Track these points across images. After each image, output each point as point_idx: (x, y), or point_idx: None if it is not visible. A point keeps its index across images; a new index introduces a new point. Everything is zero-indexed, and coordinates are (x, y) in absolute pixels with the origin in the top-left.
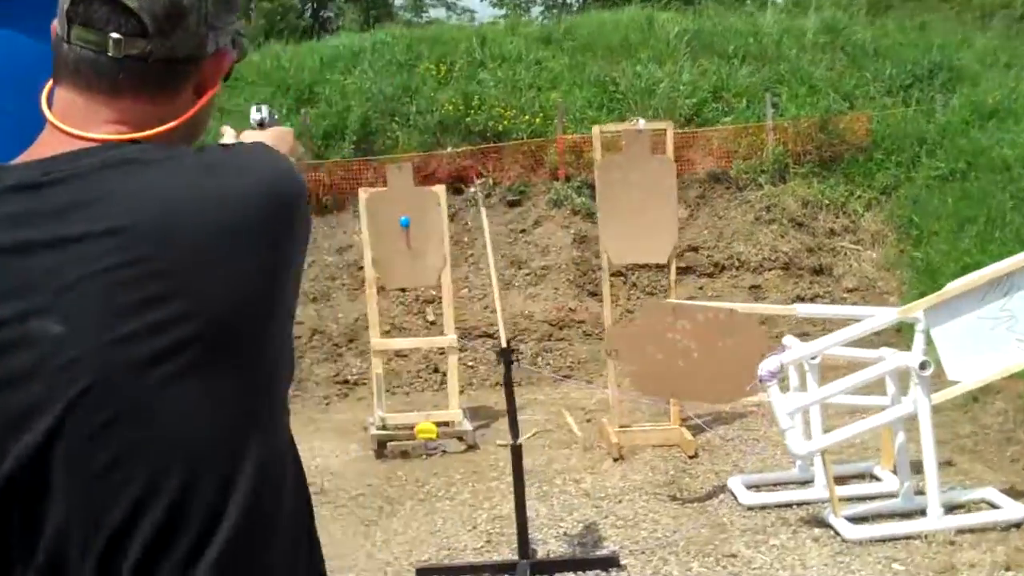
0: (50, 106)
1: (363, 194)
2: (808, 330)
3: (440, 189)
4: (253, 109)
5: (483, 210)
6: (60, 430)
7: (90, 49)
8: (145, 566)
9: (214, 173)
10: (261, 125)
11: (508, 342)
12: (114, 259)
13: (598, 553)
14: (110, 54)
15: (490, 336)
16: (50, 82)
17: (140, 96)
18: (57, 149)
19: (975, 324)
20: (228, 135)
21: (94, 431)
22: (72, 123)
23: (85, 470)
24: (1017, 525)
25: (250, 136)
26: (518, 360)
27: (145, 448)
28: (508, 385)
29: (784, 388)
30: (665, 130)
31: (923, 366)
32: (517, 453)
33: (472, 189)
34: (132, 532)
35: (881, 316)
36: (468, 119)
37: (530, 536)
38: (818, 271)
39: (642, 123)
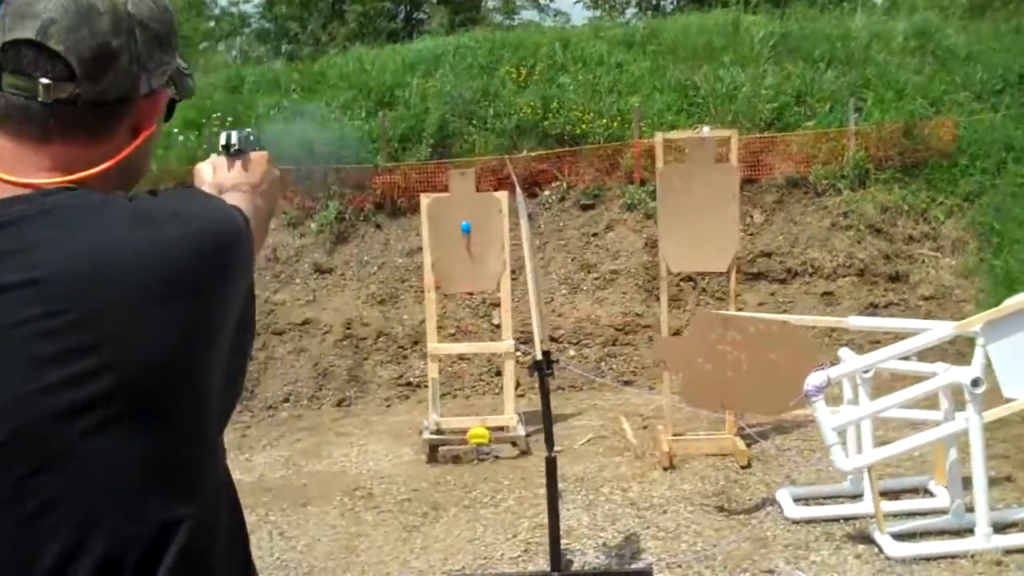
0: None
1: (424, 199)
2: (880, 338)
3: (502, 195)
4: (222, 135)
5: (523, 217)
6: None
7: (21, 95)
8: None
9: (143, 223)
10: (227, 150)
11: (546, 353)
12: (37, 310)
13: (632, 567)
14: (40, 99)
15: (554, 339)
16: None
17: (71, 140)
18: None
19: None
20: (205, 168)
21: (20, 479)
22: (5, 169)
23: (12, 518)
24: None
25: (221, 163)
26: (552, 371)
27: (71, 497)
28: (544, 396)
29: (839, 401)
30: (730, 138)
31: (975, 383)
32: (551, 465)
33: (546, 193)
34: None
35: (937, 330)
36: (546, 122)
37: (569, 546)
38: (894, 278)
39: (706, 131)
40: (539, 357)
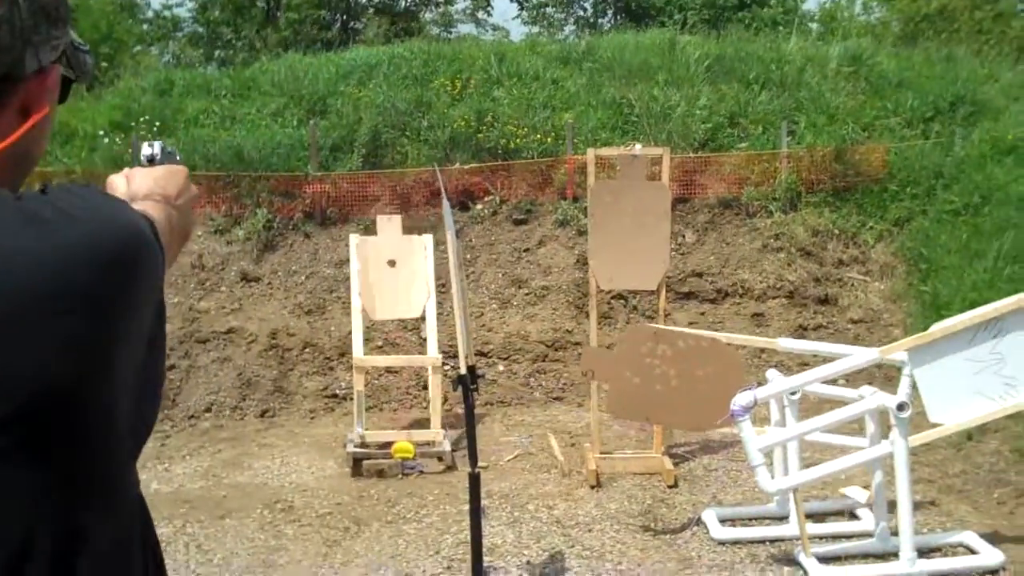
0: None
1: (353, 239)
2: (809, 361)
3: (427, 238)
4: (144, 145)
5: (450, 230)
6: None
7: None
8: None
9: (32, 226)
10: (151, 162)
11: (471, 368)
12: None
13: None
14: None
15: (483, 354)
16: None
17: None
18: None
19: (961, 366)
20: (119, 180)
21: None
22: None
23: None
24: (994, 572)
25: (138, 173)
26: (477, 387)
27: None
28: (468, 411)
29: (765, 422)
30: (662, 156)
31: (901, 407)
32: (475, 481)
33: (479, 206)
34: None
35: (861, 355)
36: (479, 136)
37: (492, 563)
38: (823, 301)
39: (638, 148)
40: (463, 371)
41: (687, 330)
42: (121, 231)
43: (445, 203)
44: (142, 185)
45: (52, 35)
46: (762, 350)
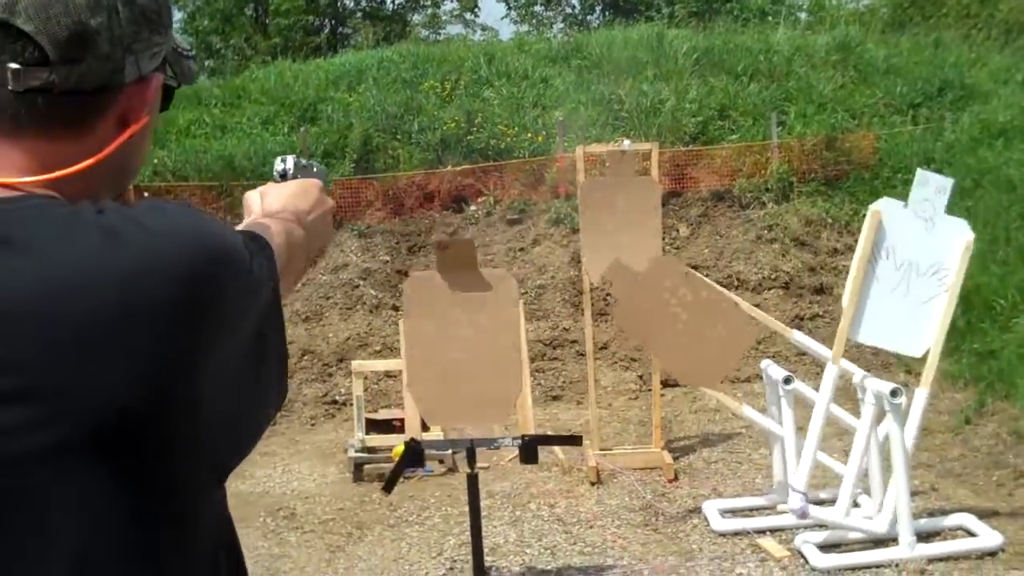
0: None
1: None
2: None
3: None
4: (277, 160)
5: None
6: None
7: None
8: None
9: (110, 241)
10: (284, 177)
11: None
12: None
13: None
14: (9, 87)
15: None
16: None
17: (47, 134)
18: None
19: (890, 301)
20: (253, 196)
21: None
22: None
23: None
24: (992, 553)
25: (272, 190)
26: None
27: (28, 545)
28: (474, 514)
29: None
30: (651, 151)
31: (895, 393)
32: (473, 482)
33: (472, 208)
34: None
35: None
36: (470, 137)
37: (495, 563)
38: (819, 290)
39: (627, 144)
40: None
41: (715, 285)
42: (202, 248)
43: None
44: (274, 202)
45: (153, 42)
46: (760, 340)
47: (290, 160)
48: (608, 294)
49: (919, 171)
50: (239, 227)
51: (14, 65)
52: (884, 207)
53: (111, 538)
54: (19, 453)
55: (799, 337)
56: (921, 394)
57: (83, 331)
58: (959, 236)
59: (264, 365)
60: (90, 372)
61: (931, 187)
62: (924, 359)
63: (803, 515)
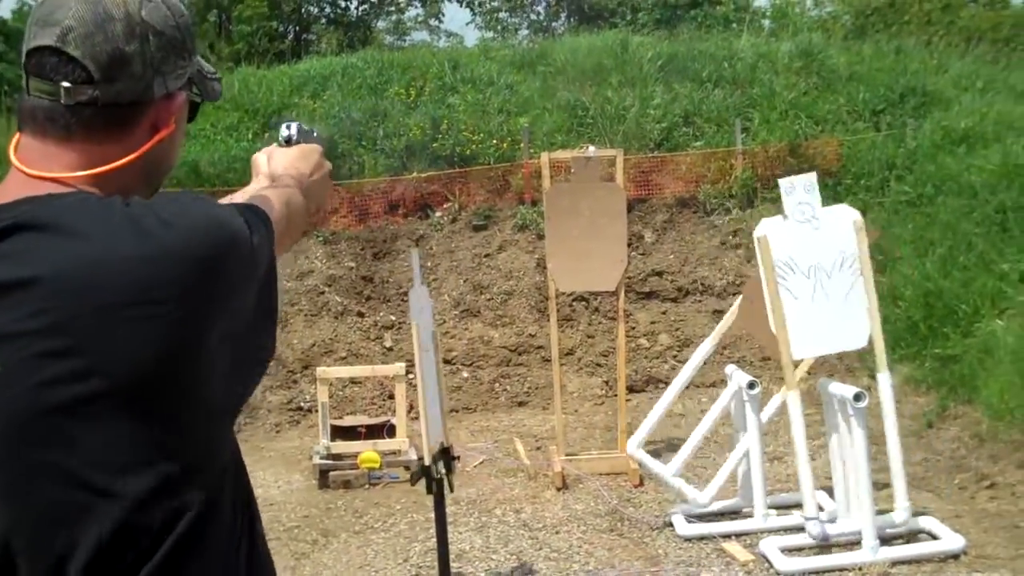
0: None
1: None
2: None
3: None
4: (282, 127)
5: (418, 323)
6: (3, 464)
7: (45, 98)
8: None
9: (136, 230)
10: (288, 142)
11: (441, 452)
12: (30, 308)
13: None
14: (62, 101)
15: (448, 362)
16: (18, 134)
17: (92, 139)
18: (17, 193)
19: (810, 306)
20: (261, 158)
21: (27, 467)
22: (30, 166)
23: (22, 503)
24: (955, 556)
25: (276, 153)
26: (445, 477)
27: (71, 485)
28: (439, 510)
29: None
30: (615, 157)
31: (858, 397)
32: (439, 487)
33: (438, 214)
34: (67, 564)
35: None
36: (436, 143)
37: (461, 569)
38: None
39: (592, 150)
40: (426, 462)
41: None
42: (210, 234)
43: (418, 289)
44: (278, 165)
45: (179, 65)
46: (725, 346)
47: (294, 127)
48: (574, 300)
49: (781, 181)
50: (245, 191)
51: (66, 84)
52: (767, 229)
53: (137, 476)
54: (62, 401)
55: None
56: (884, 378)
57: (112, 301)
58: (846, 220)
59: (261, 322)
60: (118, 335)
61: (799, 189)
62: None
63: (824, 538)
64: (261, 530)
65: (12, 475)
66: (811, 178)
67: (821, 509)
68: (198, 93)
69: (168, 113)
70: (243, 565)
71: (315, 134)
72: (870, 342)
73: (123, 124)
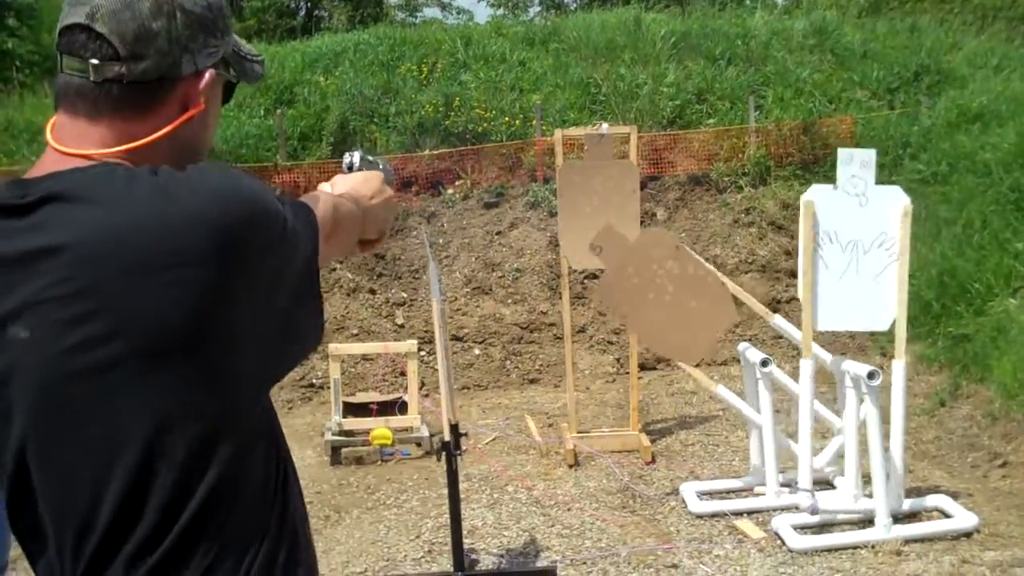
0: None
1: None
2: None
3: None
4: (345, 155)
5: (436, 301)
6: (31, 430)
7: (76, 75)
8: (110, 544)
9: (160, 197)
10: (350, 169)
11: (454, 427)
12: (56, 276)
13: (537, 565)
14: (92, 78)
15: (459, 339)
16: (55, 114)
17: (120, 116)
18: (51, 167)
19: (842, 283)
20: (325, 186)
21: (55, 430)
22: (64, 142)
23: (51, 466)
24: (968, 534)
25: (339, 179)
26: (461, 453)
27: (99, 446)
28: (452, 483)
29: (742, 395)
30: (629, 135)
31: (871, 375)
32: (452, 462)
33: (450, 191)
34: (93, 524)
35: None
36: (448, 121)
37: (473, 545)
38: (795, 274)
39: (605, 127)
40: (447, 437)
41: (703, 261)
42: (234, 202)
43: (432, 266)
44: (340, 188)
45: (209, 43)
46: (737, 324)
47: (356, 155)
48: (586, 277)
49: (841, 150)
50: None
51: (95, 61)
52: (815, 195)
53: (169, 435)
54: (91, 364)
55: (779, 321)
56: (898, 366)
57: (135, 266)
58: (895, 203)
59: (301, 307)
60: (141, 299)
61: (856, 163)
62: (894, 334)
63: (815, 511)
64: (299, 489)
65: (40, 437)
66: (871, 154)
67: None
68: (235, 73)
69: (195, 91)
70: (275, 522)
71: (380, 166)
72: (891, 326)
73: (151, 101)
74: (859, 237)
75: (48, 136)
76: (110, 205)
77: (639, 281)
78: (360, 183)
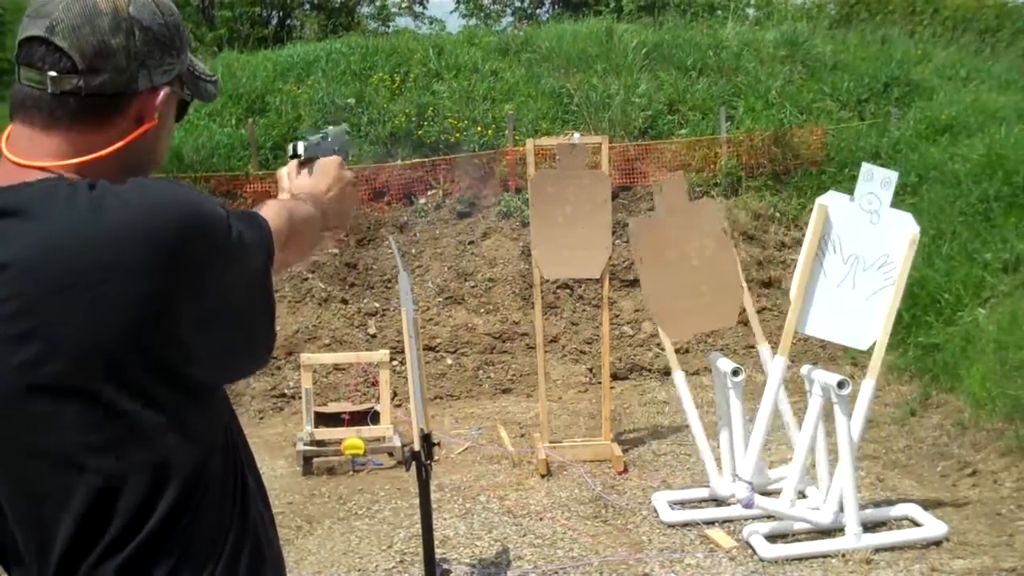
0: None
1: None
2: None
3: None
4: (289, 146)
5: (406, 309)
6: None
7: (33, 87)
8: (75, 551)
9: (95, 209)
10: (298, 159)
11: (426, 437)
12: (2, 293)
13: (509, 575)
14: (48, 90)
15: (431, 348)
16: (10, 124)
17: (76, 128)
18: (3, 180)
19: (836, 295)
20: (283, 173)
21: (14, 446)
22: (20, 154)
23: (11, 478)
24: (937, 543)
25: (293, 170)
26: (431, 463)
27: (55, 462)
28: (424, 493)
29: (712, 405)
30: (601, 145)
31: (841, 385)
32: (423, 473)
33: (422, 201)
34: (55, 534)
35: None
36: (420, 131)
37: (445, 555)
38: (766, 284)
39: (577, 137)
40: (416, 447)
41: (736, 259)
42: (169, 211)
43: (403, 275)
44: (296, 183)
45: (166, 61)
46: (708, 334)
47: (300, 146)
48: (559, 287)
49: (864, 165)
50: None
51: (52, 73)
52: (830, 201)
53: (118, 451)
54: (42, 380)
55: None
56: (868, 385)
57: (72, 281)
58: (904, 229)
59: (252, 315)
60: (80, 315)
61: (876, 180)
62: (870, 352)
63: (749, 504)
64: (263, 494)
65: (2, 454)
66: (892, 175)
67: (805, 496)
68: (188, 92)
69: (151, 107)
70: (236, 525)
71: (327, 138)
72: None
73: (106, 115)
74: (862, 253)
75: (3, 147)
76: (50, 220)
77: (673, 235)
78: (318, 175)
